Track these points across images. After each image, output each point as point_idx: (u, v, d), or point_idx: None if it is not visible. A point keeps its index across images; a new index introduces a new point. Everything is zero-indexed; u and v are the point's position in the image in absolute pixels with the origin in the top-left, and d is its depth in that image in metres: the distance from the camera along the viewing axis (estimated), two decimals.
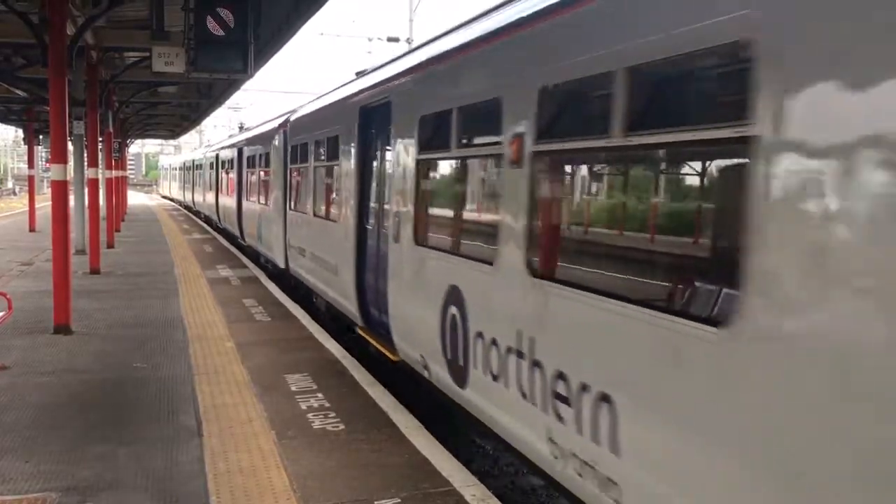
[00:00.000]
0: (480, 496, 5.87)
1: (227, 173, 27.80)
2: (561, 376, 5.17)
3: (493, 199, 6.54)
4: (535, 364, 5.50)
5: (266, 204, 18.78)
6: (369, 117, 10.40)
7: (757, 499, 3.54)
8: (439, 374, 7.45)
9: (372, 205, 10.25)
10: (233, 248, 24.69)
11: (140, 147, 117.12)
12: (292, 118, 16.45)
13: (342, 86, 13.31)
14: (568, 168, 5.81)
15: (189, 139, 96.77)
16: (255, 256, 21.34)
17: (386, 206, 9.36)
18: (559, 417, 5.18)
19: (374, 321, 10.01)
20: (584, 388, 4.89)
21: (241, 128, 45.23)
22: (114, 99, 25.15)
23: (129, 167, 75.65)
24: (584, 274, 5.33)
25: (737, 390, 3.67)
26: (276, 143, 17.69)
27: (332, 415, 7.76)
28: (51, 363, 9.79)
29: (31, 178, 37.33)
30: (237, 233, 24.56)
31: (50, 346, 10.75)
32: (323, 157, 13.02)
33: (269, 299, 14.87)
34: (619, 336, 4.58)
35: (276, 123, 18.57)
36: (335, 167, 11.91)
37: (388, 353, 9.18)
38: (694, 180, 4.68)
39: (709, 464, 3.85)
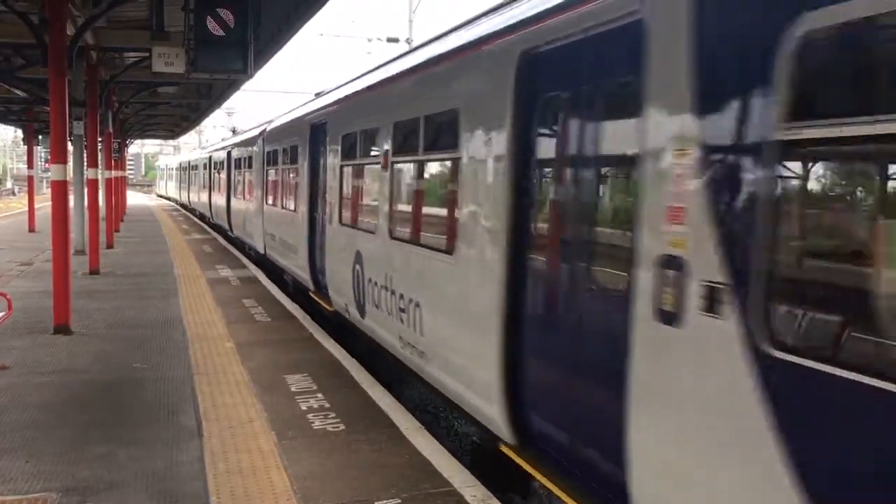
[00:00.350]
0: (481, 497, 5.87)
1: (219, 174, 31.01)
2: (402, 297, 8.49)
3: (376, 192, 9.73)
4: (392, 292, 8.85)
5: (249, 200, 21.89)
6: (316, 132, 13.48)
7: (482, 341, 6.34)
8: (353, 312, 10.61)
9: (318, 199, 13.26)
10: (231, 248, 24.68)
11: (140, 147, 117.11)
12: (268, 128, 19.65)
13: (303, 105, 16.52)
14: (406, 173, 9.01)
15: (188, 139, 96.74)
16: (241, 246, 24.25)
17: (325, 199, 12.66)
18: (402, 321, 8.46)
19: (320, 285, 12.99)
20: (410, 300, 8.21)
21: (233, 131, 48.26)
22: (113, 99, 25.15)
23: (128, 167, 75.68)
24: (409, 235, 8.60)
25: (457, 284, 6.96)
26: (256, 148, 20.79)
27: (333, 415, 7.75)
28: (51, 363, 9.78)
29: (30, 179, 37.32)
30: (227, 227, 27.55)
31: (50, 346, 10.75)
32: (287, 162, 16.09)
33: (269, 299, 14.86)
34: (423, 267, 7.91)
35: (256, 132, 21.99)
36: (295, 170, 15.06)
37: (325, 306, 12.49)
38: (449, 181, 7.60)
39: (453, 326, 7.11)
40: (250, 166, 22.00)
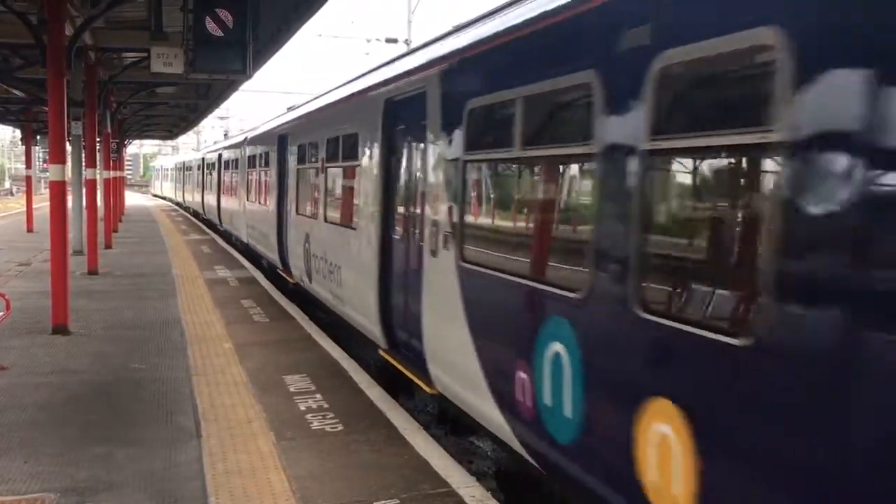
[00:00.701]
0: (479, 497, 5.87)
1: (210, 174, 34.26)
2: (331, 262, 11.66)
3: (316, 189, 12.96)
4: (325, 260, 12.06)
5: (234, 198, 25.01)
6: (281, 141, 16.58)
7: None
8: (305, 280, 13.79)
9: (283, 196, 16.22)
10: (230, 248, 24.67)
11: (138, 148, 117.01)
12: (249, 136, 23.14)
13: (276, 118, 19.53)
14: (333, 175, 12.00)
15: (187, 140, 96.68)
16: (227, 236, 28.17)
17: (286, 195, 15.75)
18: (332, 280, 11.56)
19: (285, 263, 15.82)
20: (335, 264, 11.36)
21: (225, 135, 51.79)
22: (112, 99, 25.13)
23: (126, 168, 75.93)
24: (334, 218, 11.69)
25: (356, 249, 10.01)
26: (241, 153, 23.99)
27: (331, 416, 7.75)
28: (49, 364, 9.77)
29: (28, 179, 37.30)
30: (217, 222, 31.12)
31: (48, 346, 10.74)
32: (263, 165, 19.14)
33: (268, 300, 14.86)
34: (341, 240, 10.97)
35: (241, 138, 25.33)
36: (267, 172, 18.14)
37: (289, 279, 15.56)
38: (354, 180, 10.59)
39: (356, 277, 10.07)
40: (236, 168, 25.06)
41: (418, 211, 8.11)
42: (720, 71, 3.92)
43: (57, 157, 11.87)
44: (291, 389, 8.67)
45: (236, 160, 25.06)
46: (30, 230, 31.13)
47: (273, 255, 16.91)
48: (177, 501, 5.76)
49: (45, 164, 60.10)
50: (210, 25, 11.59)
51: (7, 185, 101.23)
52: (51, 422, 7.53)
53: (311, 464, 6.48)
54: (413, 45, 9.97)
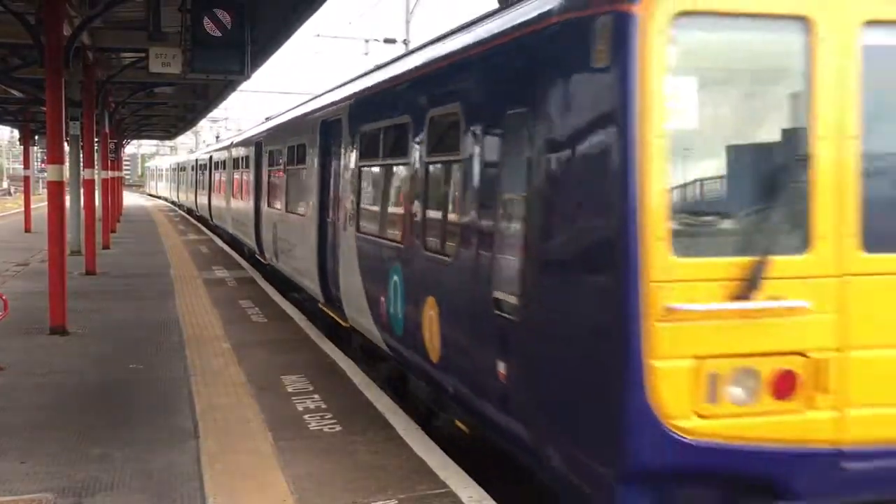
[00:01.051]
0: (477, 498, 5.87)
1: (203, 174, 37.28)
2: (291, 244, 14.42)
3: (280, 187, 15.93)
4: (288, 242, 14.72)
5: (222, 196, 28.23)
6: (259, 147, 19.26)
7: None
8: (273, 259, 16.68)
9: (260, 194, 18.95)
10: (228, 249, 24.68)
11: (136, 148, 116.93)
12: (234, 141, 26.57)
13: (256, 126, 23.31)
14: (293, 175, 14.61)
15: (185, 140, 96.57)
16: (213, 228, 32.09)
17: (263, 192, 18.44)
18: (291, 258, 14.48)
19: (261, 249, 18.50)
20: (293, 244, 14.19)
21: (217, 138, 56.01)
22: (110, 99, 25.12)
23: (124, 168, 76.07)
24: (293, 209, 14.37)
25: (306, 229, 12.81)
26: (227, 155, 26.79)
27: (329, 416, 7.75)
28: (47, 364, 9.77)
29: (26, 179, 37.28)
30: (209, 217, 33.89)
31: (46, 347, 10.74)
32: (244, 167, 22.02)
33: (265, 300, 14.86)
34: (297, 225, 13.69)
35: (227, 143, 28.98)
36: (248, 173, 20.95)
37: (263, 261, 18.58)
38: (305, 179, 13.35)
39: (305, 252, 12.93)
40: (224, 169, 27.91)
41: (338, 201, 11.08)
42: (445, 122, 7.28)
43: (55, 157, 11.87)
44: (289, 390, 8.67)
45: (224, 162, 27.91)
46: (28, 230, 31.10)
47: (252, 243, 20.26)
48: (175, 502, 5.76)
49: (42, 164, 60.32)
50: (208, 26, 11.60)
51: (5, 185, 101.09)
52: (49, 422, 7.53)
53: (309, 464, 6.48)
54: (339, 82, 13.27)
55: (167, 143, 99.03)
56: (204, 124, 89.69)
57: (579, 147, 4.96)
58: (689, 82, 4.59)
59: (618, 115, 4.44)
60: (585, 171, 4.85)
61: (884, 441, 4.60)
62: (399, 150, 8.38)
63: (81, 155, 21.56)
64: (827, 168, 4.52)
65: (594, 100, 4.76)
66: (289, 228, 14.78)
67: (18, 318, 12.17)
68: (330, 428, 7.41)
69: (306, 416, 7.73)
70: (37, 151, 50.29)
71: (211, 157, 33.45)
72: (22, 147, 37.63)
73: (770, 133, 4.78)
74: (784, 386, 4.48)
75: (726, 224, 4.70)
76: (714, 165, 4.82)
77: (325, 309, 11.94)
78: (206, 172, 34.62)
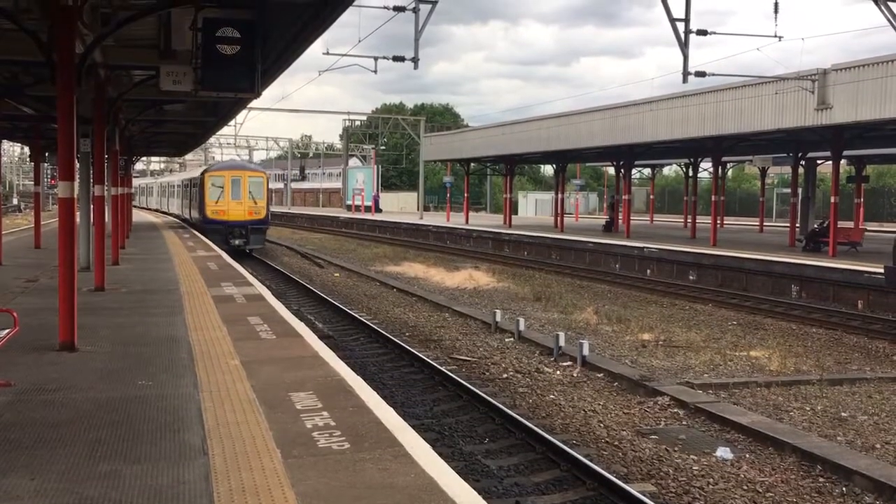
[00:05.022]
0: None
1: (190, 189, 50.00)
2: (183, 206, 54.60)
3: (189, 195, 47.60)
4: (182, 206, 54.16)
5: (175, 198, 56.49)
6: (189, 181, 45.91)
7: None
8: (180, 213, 54.08)
9: (182, 199, 50.71)
10: (236, 265, 24.72)
11: (146, 164, 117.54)
12: (183, 177, 53.58)
13: (197, 168, 57.95)
14: (189, 191, 47.88)
15: (194, 157, 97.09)
16: (166, 213, 63.31)
17: (184, 197, 50.71)
18: (179, 209, 58.35)
19: (184, 218, 49.45)
20: (182, 206, 55.10)
21: (180, 165, 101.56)
22: (120, 116, 25.26)
23: (134, 184, 79.42)
24: (186, 203, 50.44)
25: (187, 206, 52.05)
26: (182, 181, 54.03)
27: (338, 433, 7.74)
28: (56, 381, 9.78)
29: (36, 195, 37.45)
30: (166, 211, 63.76)
31: (54, 363, 10.75)
32: (184, 188, 50.88)
33: (275, 317, 14.86)
34: (188, 203, 48.62)
35: (185, 176, 55.36)
36: (184, 191, 50.56)
37: (183, 217, 51.31)
38: (191, 193, 49.69)
39: (180, 209, 57.93)
40: (175, 188, 59.93)
41: (189, 200, 43.51)
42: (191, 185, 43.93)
43: (66, 174, 11.93)
44: (298, 407, 8.65)
45: (178, 184, 58.66)
46: (37, 247, 31.21)
47: (185, 215, 45.39)
48: None
49: (52, 181, 61.33)
50: (219, 44, 11.68)
51: (15, 201, 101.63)
52: (57, 438, 7.53)
53: (317, 482, 6.47)
54: (203, 167, 39.95)
55: (176, 159, 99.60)
56: (213, 140, 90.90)
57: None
58: None
59: None
60: None
61: None
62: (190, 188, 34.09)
63: (91, 172, 21.67)
64: None
65: None
66: (183, 203, 46.76)
67: (28, 334, 12.20)
68: (339, 445, 7.39)
69: (315, 434, 7.72)
70: (47, 168, 50.67)
71: (170, 182, 68.77)
72: (31, 163, 37.80)
73: None
74: None
75: None
76: None
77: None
78: (168, 189, 68.34)
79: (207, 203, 39.36)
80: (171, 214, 62.12)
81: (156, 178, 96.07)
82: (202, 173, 41.17)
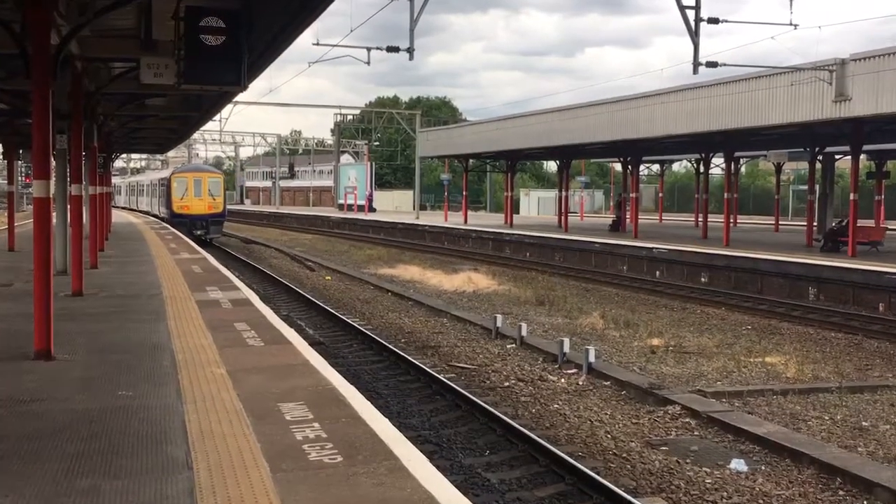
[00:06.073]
0: None
1: (136, 188, 72.18)
2: (153, 205, 66.52)
3: (162, 194, 56.39)
4: (153, 205, 65.10)
5: (146, 196, 68.45)
6: (161, 181, 58.64)
7: None
8: (151, 209, 64.15)
9: (153, 197, 62.61)
10: (223, 269, 24.71)
11: (126, 163, 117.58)
12: (151, 177, 70.09)
13: (167, 169, 66.58)
14: (160, 189, 60.39)
15: (177, 155, 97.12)
16: (138, 211, 71.86)
17: (154, 195, 62.86)
18: (152, 207, 68.32)
19: (156, 214, 58.49)
20: (154, 205, 66.57)
21: (162, 163, 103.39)
22: (99, 112, 25.24)
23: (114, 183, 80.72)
24: (161, 200, 57.87)
25: (157, 204, 66.20)
26: (148, 181, 69.54)
27: (330, 446, 7.73)
28: (31, 391, 9.77)
29: (10, 195, 37.43)
30: (140, 208, 71.09)
31: (30, 372, 10.74)
32: (154, 187, 63.92)
33: (263, 323, 14.85)
34: (157, 202, 63.26)
35: (157, 175, 67.18)
36: (155, 190, 62.84)
37: (158, 216, 58.07)
38: (161, 191, 63.72)
39: (156, 207, 71.59)
40: (145, 187, 70.59)
41: (158, 198, 54.48)
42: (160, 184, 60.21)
43: (41, 172, 11.91)
44: (287, 418, 8.65)
45: (147, 183, 69.41)
46: (11, 249, 31.18)
47: (154, 211, 56.61)
48: None
49: (27, 179, 61.69)
50: (203, 34, 11.66)
51: None
52: (33, 452, 7.52)
53: (308, 497, 6.46)
54: (177, 166, 47.30)
55: (158, 157, 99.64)
56: (197, 136, 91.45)
57: None
58: None
59: None
60: None
61: None
62: (159, 187, 52.86)
63: (69, 170, 21.65)
64: None
65: None
66: (153, 201, 60.72)
67: (0, 341, 12.19)
68: (331, 458, 7.39)
69: (305, 446, 7.71)
70: (21, 166, 50.64)
71: (140, 181, 78.57)
72: (5, 161, 37.79)
73: None
74: None
75: None
76: None
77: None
78: (139, 188, 77.90)
79: (174, 200, 49.84)
80: (140, 211, 72.33)
81: (123, 177, 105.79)
82: (170, 175, 53.20)
